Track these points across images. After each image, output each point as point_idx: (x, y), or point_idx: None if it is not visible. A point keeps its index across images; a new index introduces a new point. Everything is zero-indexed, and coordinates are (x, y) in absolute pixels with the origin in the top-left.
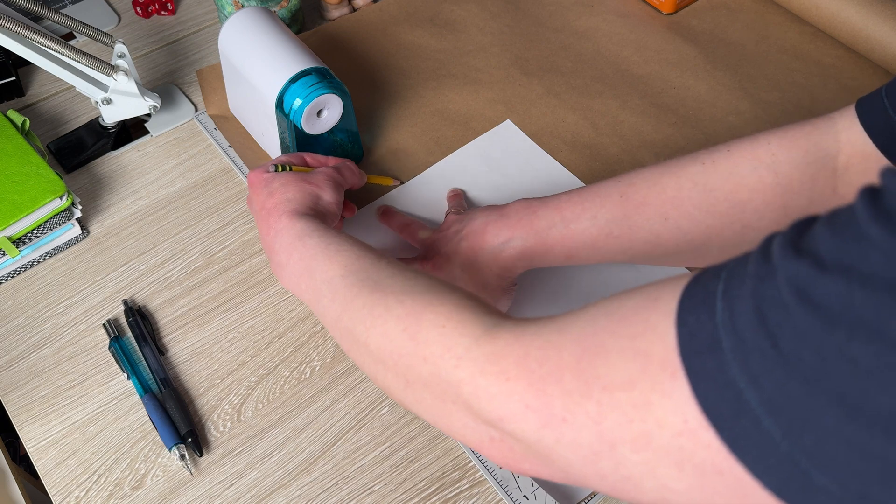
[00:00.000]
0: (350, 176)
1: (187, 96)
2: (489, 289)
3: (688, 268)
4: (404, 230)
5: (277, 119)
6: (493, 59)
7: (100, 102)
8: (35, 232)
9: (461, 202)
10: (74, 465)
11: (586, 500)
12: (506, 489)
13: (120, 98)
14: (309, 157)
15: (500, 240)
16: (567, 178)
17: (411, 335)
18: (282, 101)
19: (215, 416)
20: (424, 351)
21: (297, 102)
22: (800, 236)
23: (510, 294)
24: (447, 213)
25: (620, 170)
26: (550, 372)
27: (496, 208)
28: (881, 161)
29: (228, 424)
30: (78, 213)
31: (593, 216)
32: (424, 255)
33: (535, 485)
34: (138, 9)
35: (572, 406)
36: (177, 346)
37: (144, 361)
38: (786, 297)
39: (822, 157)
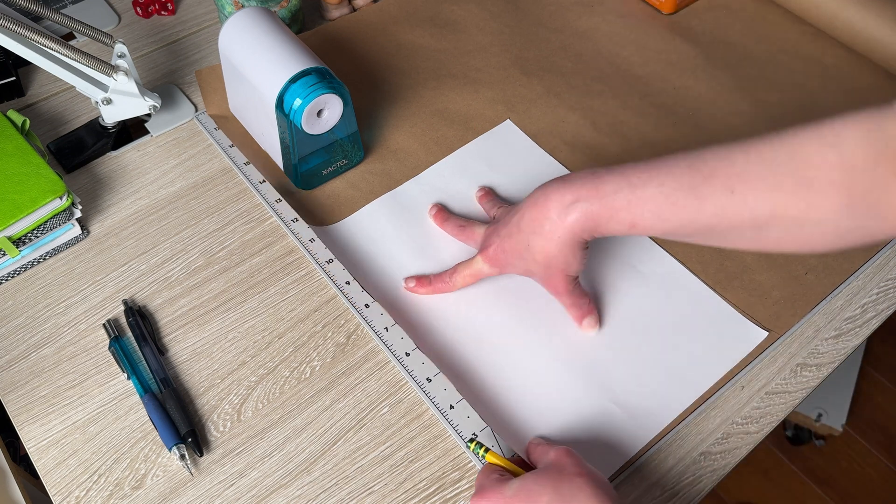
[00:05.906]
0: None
1: (187, 96)
2: (557, 260)
3: (741, 250)
4: (462, 233)
5: (277, 119)
6: (493, 59)
7: (100, 102)
8: (35, 232)
9: (495, 198)
10: (74, 465)
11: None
12: None
13: (120, 98)
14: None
15: (565, 203)
16: None
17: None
18: (282, 101)
19: (215, 416)
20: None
21: (297, 102)
22: None
23: (583, 260)
24: (489, 212)
25: None
26: None
27: (557, 178)
28: None
29: (228, 424)
30: (78, 213)
31: (661, 183)
32: (483, 248)
33: None
34: (138, 9)
35: None
36: (177, 346)
37: (144, 361)
38: None
39: (884, 140)
